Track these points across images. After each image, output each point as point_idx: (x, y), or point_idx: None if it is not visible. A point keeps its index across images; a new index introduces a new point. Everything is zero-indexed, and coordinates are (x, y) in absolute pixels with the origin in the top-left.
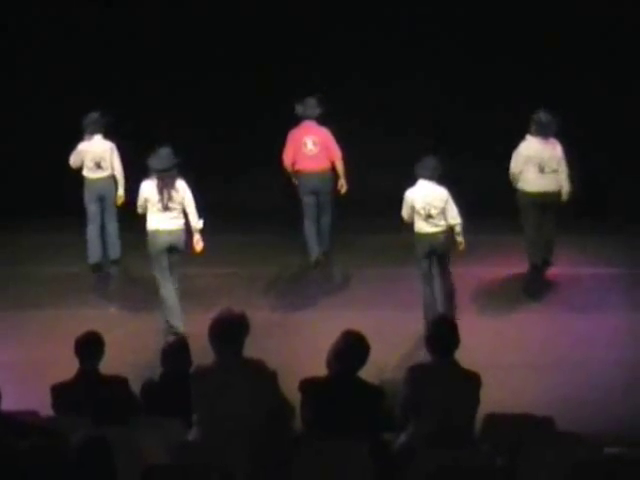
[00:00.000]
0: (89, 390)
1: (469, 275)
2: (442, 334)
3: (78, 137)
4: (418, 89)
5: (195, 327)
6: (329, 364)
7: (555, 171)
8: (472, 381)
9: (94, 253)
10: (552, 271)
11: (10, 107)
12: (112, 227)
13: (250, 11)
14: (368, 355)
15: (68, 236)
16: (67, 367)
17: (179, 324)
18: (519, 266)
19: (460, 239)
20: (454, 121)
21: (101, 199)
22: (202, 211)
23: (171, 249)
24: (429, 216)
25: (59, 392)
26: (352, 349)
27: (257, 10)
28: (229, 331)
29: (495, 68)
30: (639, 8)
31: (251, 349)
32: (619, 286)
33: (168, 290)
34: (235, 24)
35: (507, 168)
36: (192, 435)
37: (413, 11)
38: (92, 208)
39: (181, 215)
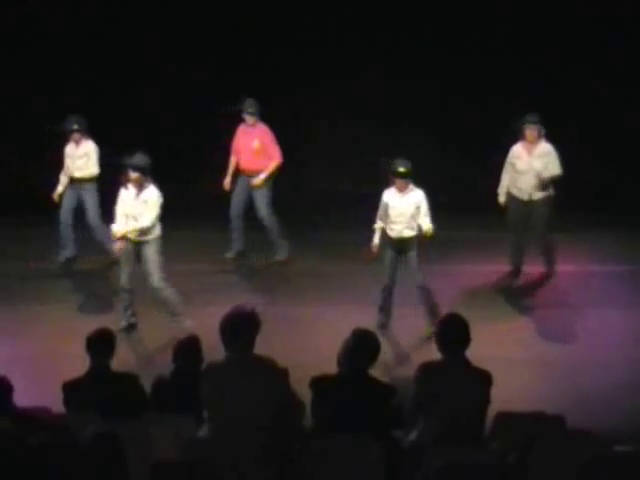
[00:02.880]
0: (100, 387)
1: (475, 273)
2: (453, 332)
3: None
4: (417, 87)
5: (204, 322)
6: (340, 362)
7: None
8: (483, 379)
9: None
10: (560, 269)
11: None
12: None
13: (249, 9)
14: (379, 353)
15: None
16: (78, 363)
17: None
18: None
19: None
20: (456, 119)
21: None
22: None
23: None
24: None
25: (71, 389)
26: (363, 347)
27: (256, 8)
28: (240, 328)
29: (495, 68)
30: None
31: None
32: (628, 283)
33: None
34: (232, 22)
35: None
36: (202, 432)
37: (412, 8)
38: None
39: None
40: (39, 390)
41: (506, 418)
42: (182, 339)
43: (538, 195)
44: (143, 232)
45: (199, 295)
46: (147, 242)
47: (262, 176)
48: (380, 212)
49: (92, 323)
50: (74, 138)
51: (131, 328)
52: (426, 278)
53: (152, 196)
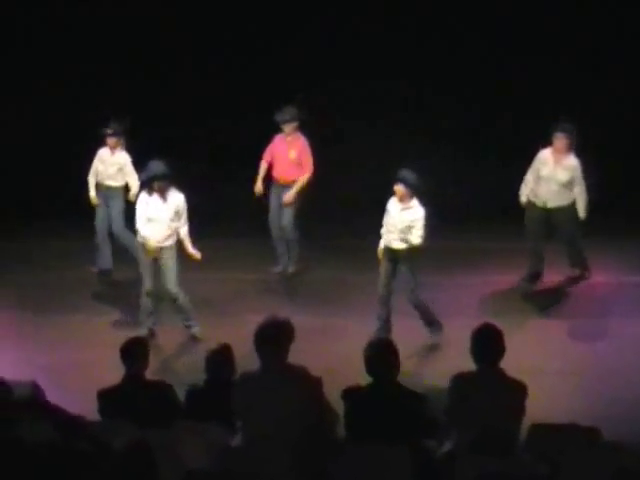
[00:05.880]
0: (135, 395)
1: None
2: (487, 342)
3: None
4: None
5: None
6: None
7: None
8: (518, 390)
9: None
10: (593, 279)
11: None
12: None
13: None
14: (397, 359)
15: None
16: (110, 371)
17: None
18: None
19: None
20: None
21: None
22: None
23: None
24: None
25: (106, 397)
26: (380, 357)
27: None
28: (274, 337)
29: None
30: None
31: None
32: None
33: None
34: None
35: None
36: (236, 441)
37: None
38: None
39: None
40: (74, 399)
41: (540, 429)
42: (214, 348)
43: (554, 203)
44: (167, 238)
45: (232, 303)
46: (166, 247)
47: (292, 192)
48: (384, 219)
49: (127, 332)
50: (109, 143)
51: (151, 335)
52: (416, 294)
53: (181, 201)
